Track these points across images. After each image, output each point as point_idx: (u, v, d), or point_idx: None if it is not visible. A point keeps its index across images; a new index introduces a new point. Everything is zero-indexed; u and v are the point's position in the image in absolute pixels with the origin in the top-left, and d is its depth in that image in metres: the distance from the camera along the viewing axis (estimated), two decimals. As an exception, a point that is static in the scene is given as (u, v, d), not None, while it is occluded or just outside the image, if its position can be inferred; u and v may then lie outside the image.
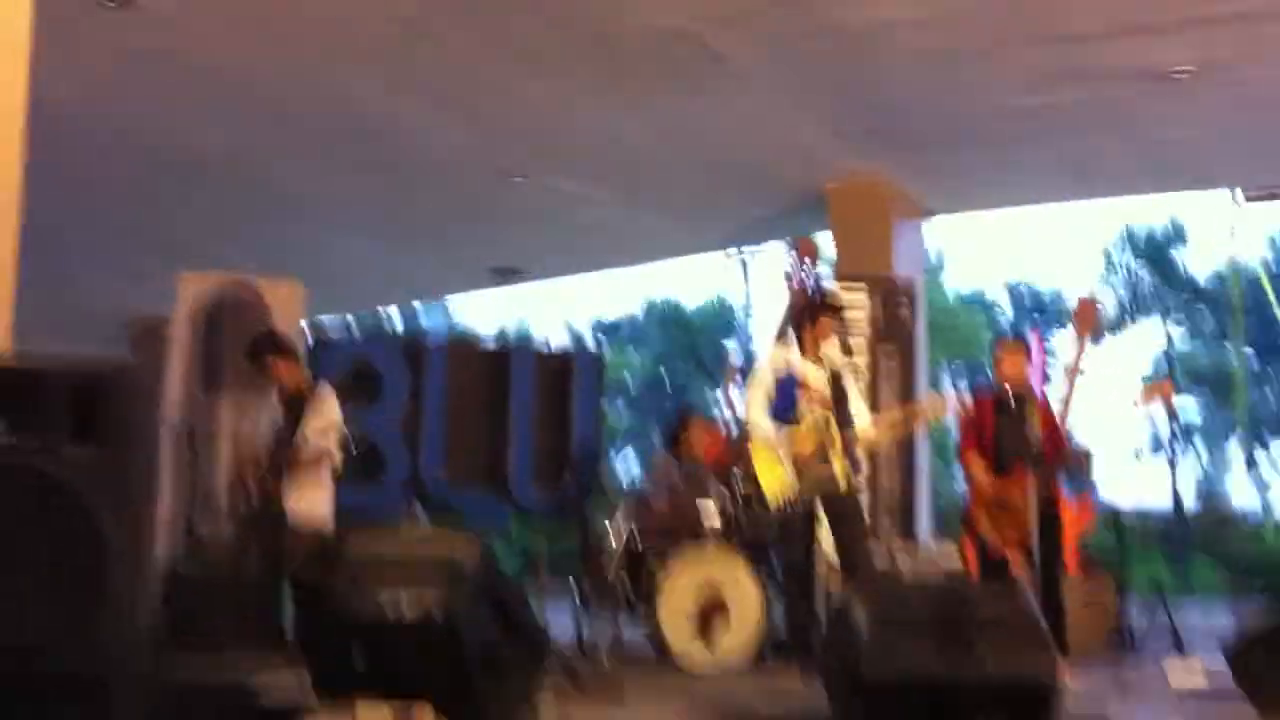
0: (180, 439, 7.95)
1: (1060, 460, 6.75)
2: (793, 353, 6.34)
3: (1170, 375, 29.05)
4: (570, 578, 8.07)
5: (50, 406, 3.39)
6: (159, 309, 12.22)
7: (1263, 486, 34.24)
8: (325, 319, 13.87)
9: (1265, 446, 35.15)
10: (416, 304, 32.87)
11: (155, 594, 6.75)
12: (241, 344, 8.05)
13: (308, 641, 4.31)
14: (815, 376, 6.22)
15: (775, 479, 6.11)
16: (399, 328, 27.88)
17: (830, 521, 6.17)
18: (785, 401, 6.22)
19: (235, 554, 6.82)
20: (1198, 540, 24.35)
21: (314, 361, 7.18)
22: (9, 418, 3.37)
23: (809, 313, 6.38)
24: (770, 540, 7.05)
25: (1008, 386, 6.74)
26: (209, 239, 11.20)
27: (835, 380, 6.22)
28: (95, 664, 3.25)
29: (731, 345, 32.60)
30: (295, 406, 6.67)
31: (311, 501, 6.61)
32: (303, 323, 8.56)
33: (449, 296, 26.67)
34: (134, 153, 9.15)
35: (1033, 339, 11.89)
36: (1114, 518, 8.87)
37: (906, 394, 8.83)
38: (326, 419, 6.62)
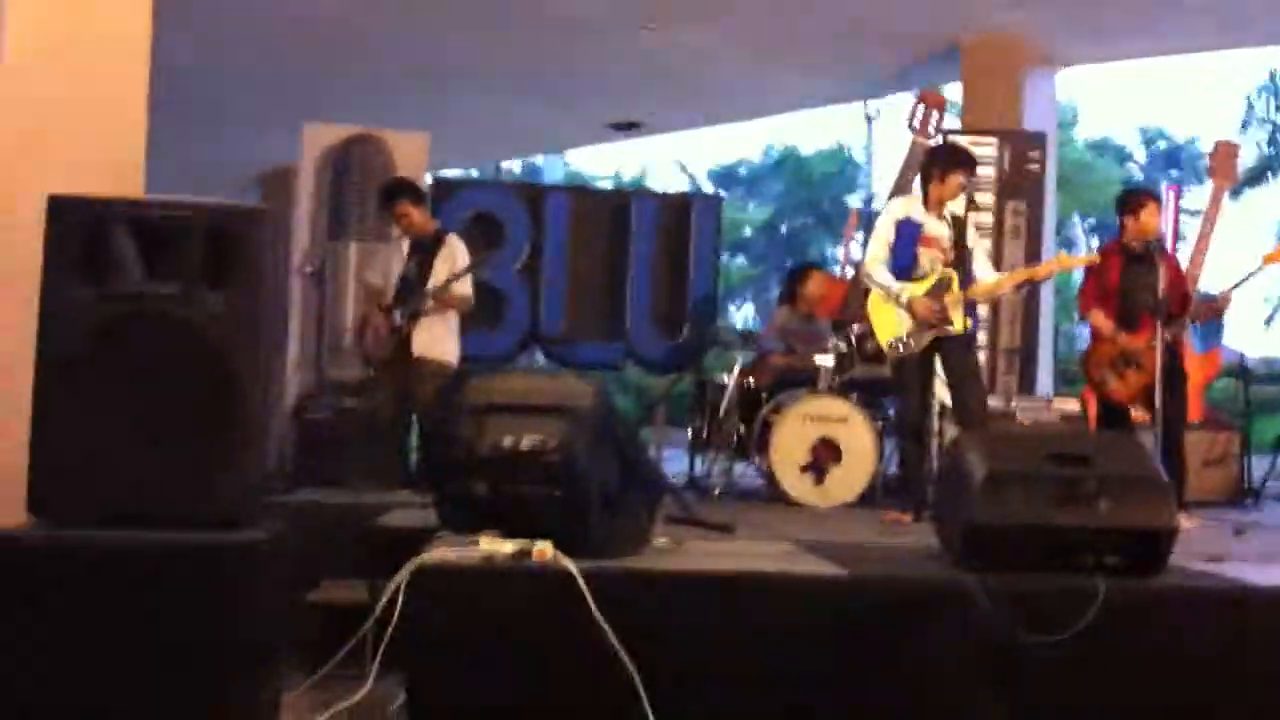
0: (309, 284, 8.20)
1: (1187, 314, 6.59)
2: (915, 205, 6.22)
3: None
4: (687, 426, 8.21)
5: (185, 252, 3.44)
6: (287, 161, 12.52)
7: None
8: (447, 172, 13.98)
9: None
10: (537, 159, 32.96)
11: (287, 435, 7.06)
12: (368, 193, 8.26)
13: (433, 477, 4.46)
14: (937, 230, 6.11)
15: (891, 327, 6.07)
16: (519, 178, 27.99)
17: (945, 370, 6.13)
18: (906, 254, 6.12)
19: (364, 395, 7.07)
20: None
21: (436, 209, 7.29)
22: (145, 263, 3.45)
23: (938, 167, 6.18)
24: (886, 388, 7.07)
25: (1136, 239, 6.57)
26: (334, 94, 11.32)
27: (959, 235, 6.11)
28: (229, 506, 3.40)
29: (852, 198, 32.19)
30: (424, 252, 6.85)
31: (441, 344, 6.83)
32: (426, 174, 8.67)
33: (567, 150, 26.67)
34: (260, 10, 9.22)
35: (1167, 192, 11.50)
36: (1241, 370, 8.67)
37: (1033, 250, 8.66)
38: (458, 265, 6.82)
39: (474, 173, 17.57)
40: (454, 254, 6.87)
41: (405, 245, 6.96)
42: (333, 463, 6.67)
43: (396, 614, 3.35)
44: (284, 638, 3.64)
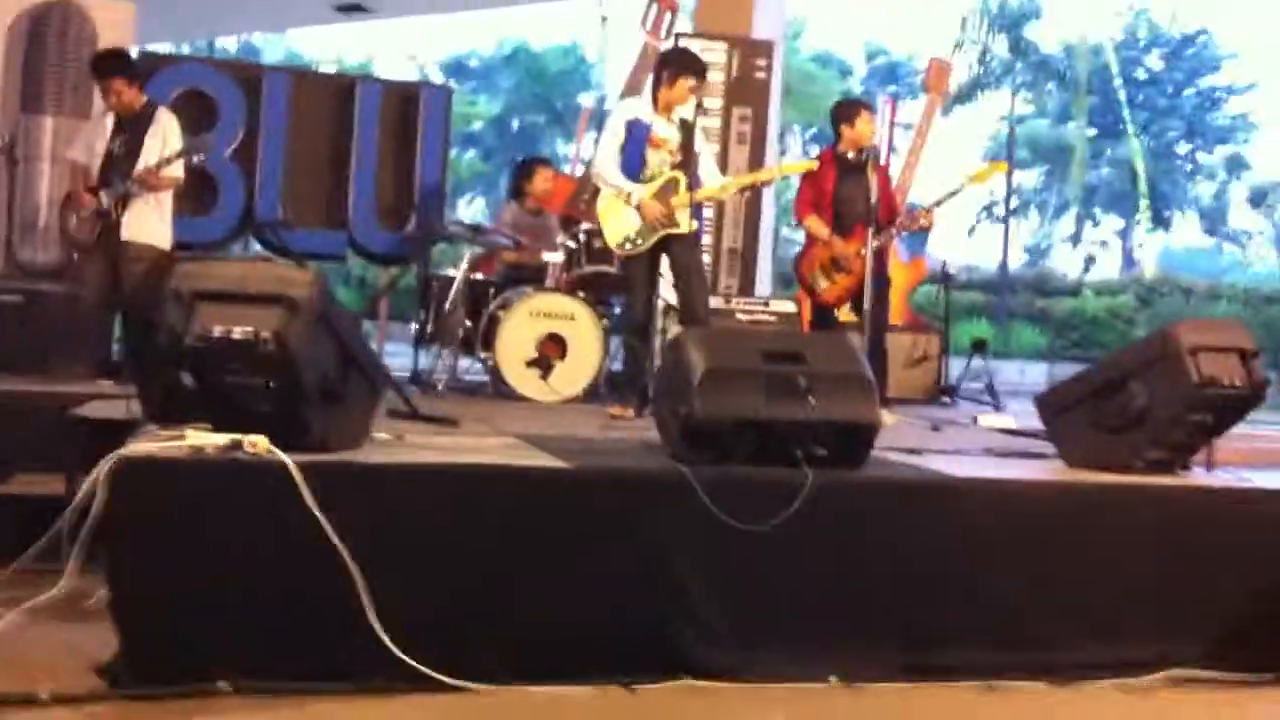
0: (0, 160, 7.60)
1: (896, 224, 6.90)
2: (644, 107, 6.23)
3: (1011, 149, 29.79)
4: (412, 320, 8.07)
5: None
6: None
7: (1088, 258, 35.87)
8: (155, 46, 13.13)
9: (1095, 222, 36.67)
10: (255, 38, 31.43)
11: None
12: (66, 64, 7.67)
13: (138, 367, 4.24)
14: (666, 132, 6.15)
15: (620, 227, 6.11)
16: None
17: (672, 269, 6.23)
18: (634, 155, 6.14)
19: (66, 280, 6.65)
20: (1021, 303, 25.54)
21: (143, 86, 6.83)
22: None
23: (669, 71, 6.18)
24: (612, 285, 7.14)
25: (851, 148, 6.80)
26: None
27: (686, 138, 6.16)
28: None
29: (585, 97, 32.17)
30: (133, 130, 6.45)
31: (151, 228, 6.48)
32: (133, 48, 8.10)
33: (289, 31, 25.52)
34: None
35: (883, 105, 11.94)
36: (944, 277, 9.16)
37: (757, 156, 8.85)
38: (170, 145, 6.45)
39: (185, 49, 16.55)
40: (166, 131, 6.47)
41: (110, 121, 6.52)
42: (26, 350, 6.26)
43: (97, 508, 3.19)
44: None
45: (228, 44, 27.19)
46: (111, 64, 6.56)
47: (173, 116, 6.61)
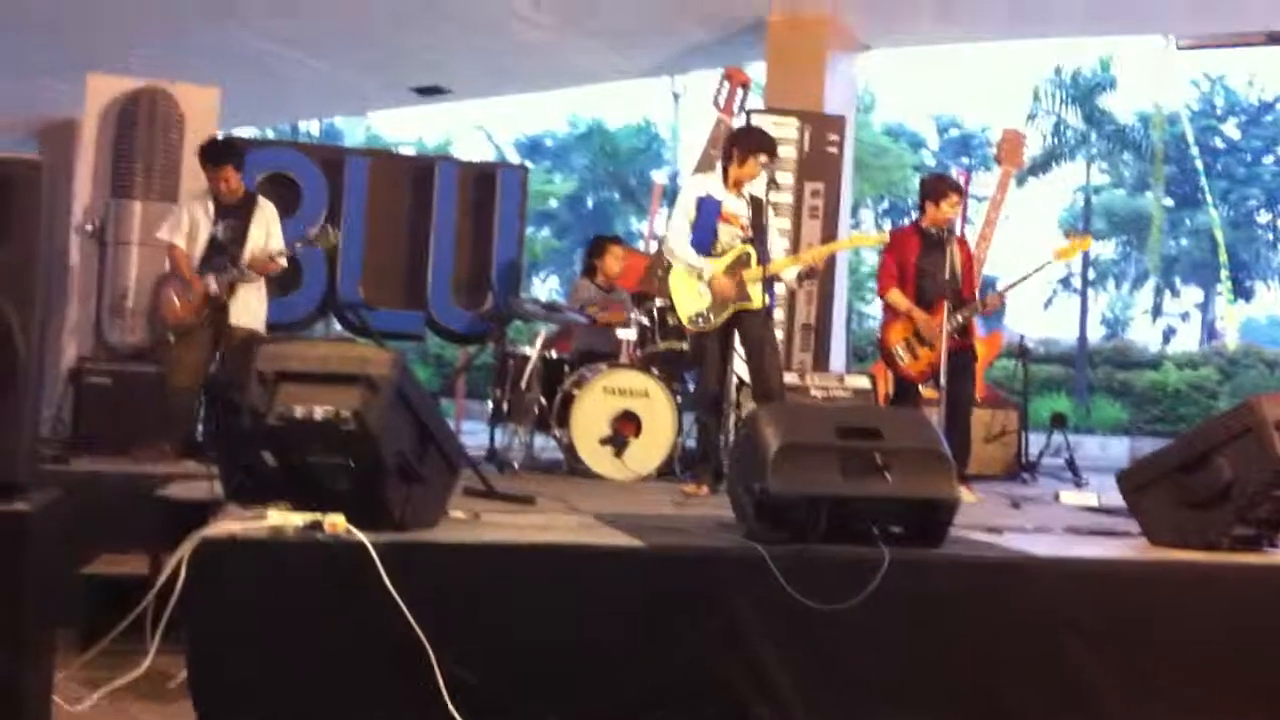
0: (89, 243, 7.81)
1: (978, 299, 6.83)
2: (715, 183, 6.28)
3: (1087, 219, 29.52)
4: (487, 398, 8.14)
5: (-47, 204, 3.25)
6: (69, 113, 11.89)
7: (1169, 330, 35.32)
8: (240, 130, 13.49)
9: (1175, 293, 36.14)
10: (336, 120, 32.13)
11: (64, 400, 6.72)
12: (155, 149, 7.90)
13: (221, 446, 4.32)
14: (737, 207, 6.19)
15: (692, 302, 6.14)
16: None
17: (743, 345, 6.24)
18: (706, 230, 6.18)
19: (150, 358, 6.80)
20: (1101, 377, 25.15)
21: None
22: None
23: (739, 149, 6.24)
24: (685, 361, 7.16)
25: (933, 224, 6.78)
26: (122, 41, 10.78)
27: (756, 213, 6.20)
28: (2, 467, 3.21)
29: (657, 173, 32.45)
30: (237, 216, 6.71)
31: (255, 310, 6.74)
32: (218, 131, 8.34)
33: (369, 113, 26.08)
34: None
35: (957, 176, 11.91)
36: (1021, 351, 9.07)
37: (830, 229, 8.86)
38: (274, 234, 6.74)
39: (269, 133, 16.95)
40: (269, 220, 6.77)
41: (210, 206, 6.72)
42: (113, 430, 6.39)
43: (179, 588, 3.23)
44: (57, 613, 3.47)
45: (310, 127, 27.88)
46: (224, 152, 6.80)
47: (271, 205, 6.87)
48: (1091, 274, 33.17)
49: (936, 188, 6.92)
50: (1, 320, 3.24)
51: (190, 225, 6.72)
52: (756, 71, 10.70)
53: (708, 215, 6.17)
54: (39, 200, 3.35)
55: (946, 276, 6.56)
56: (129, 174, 7.86)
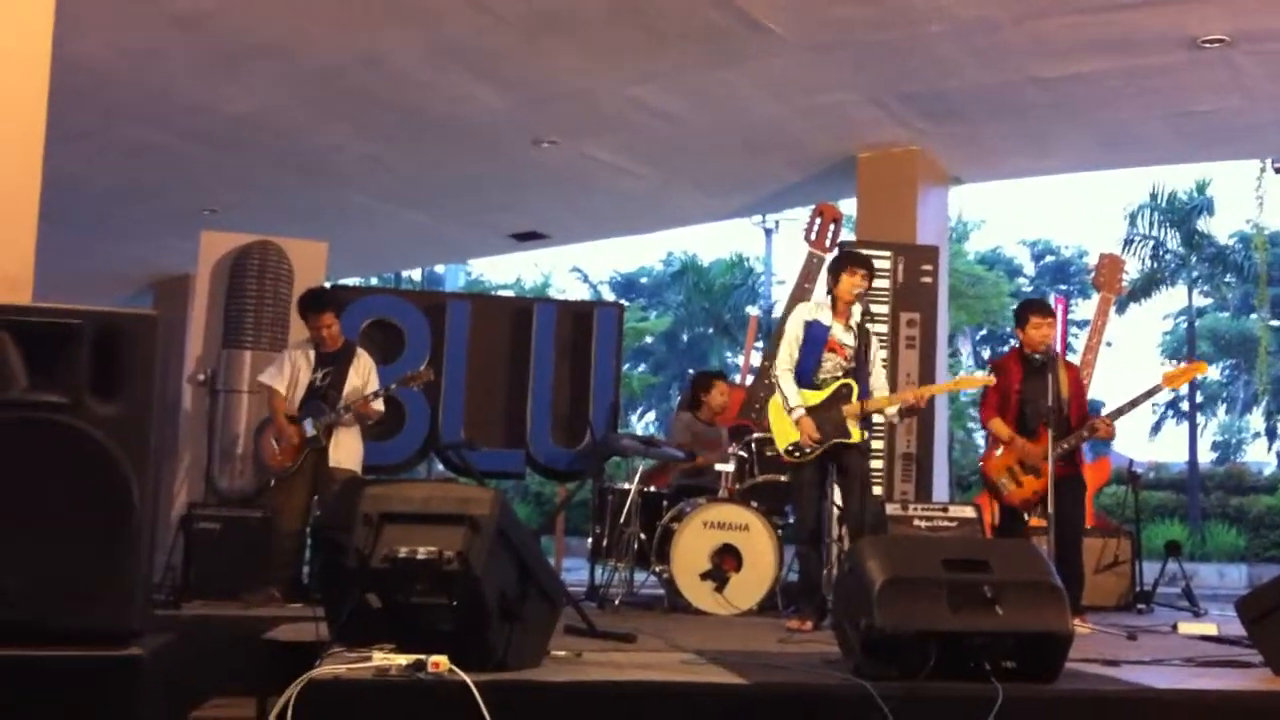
0: (200, 393, 8.05)
1: (1085, 426, 6.70)
2: (824, 310, 6.31)
3: (1191, 343, 28.94)
4: (587, 534, 8.14)
5: (73, 358, 3.39)
6: (183, 268, 12.36)
7: (1281, 452, 34.20)
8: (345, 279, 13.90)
9: (1286, 415, 35.08)
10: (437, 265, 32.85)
11: (175, 545, 6.86)
12: (265, 301, 8.17)
13: (326, 588, 4.36)
14: (844, 338, 6.21)
15: (789, 434, 6.12)
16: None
17: (838, 479, 6.19)
18: (811, 356, 6.19)
19: (265, 505, 6.95)
20: (1214, 502, 24.36)
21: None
22: (33, 370, 3.37)
23: (837, 266, 6.31)
24: (785, 493, 7.10)
25: (1032, 349, 6.72)
26: (234, 198, 11.23)
27: (862, 344, 6.22)
28: (117, 614, 3.28)
29: (751, 308, 32.62)
30: (335, 364, 6.95)
31: (353, 453, 6.93)
32: (325, 283, 8.60)
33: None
34: (161, 111, 9.14)
35: (1054, 303, 11.82)
36: (1131, 477, 8.85)
37: (926, 360, 8.81)
38: (371, 380, 6.99)
39: (373, 280, 17.43)
40: (368, 367, 7.03)
41: (311, 354, 6.95)
42: (222, 574, 6.50)
43: (286, 731, 3.24)
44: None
45: (412, 273, 28.58)
46: (322, 300, 7.07)
47: (369, 356, 7.13)
48: (1199, 397, 32.39)
49: (1019, 313, 6.93)
50: (118, 472, 3.35)
51: (292, 372, 6.95)
52: (848, 206, 10.79)
53: (814, 341, 6.19)
54: (153, 353, 3.48)
55: (1050, 402, 6.47)
56: (240, 325, 8.11)
